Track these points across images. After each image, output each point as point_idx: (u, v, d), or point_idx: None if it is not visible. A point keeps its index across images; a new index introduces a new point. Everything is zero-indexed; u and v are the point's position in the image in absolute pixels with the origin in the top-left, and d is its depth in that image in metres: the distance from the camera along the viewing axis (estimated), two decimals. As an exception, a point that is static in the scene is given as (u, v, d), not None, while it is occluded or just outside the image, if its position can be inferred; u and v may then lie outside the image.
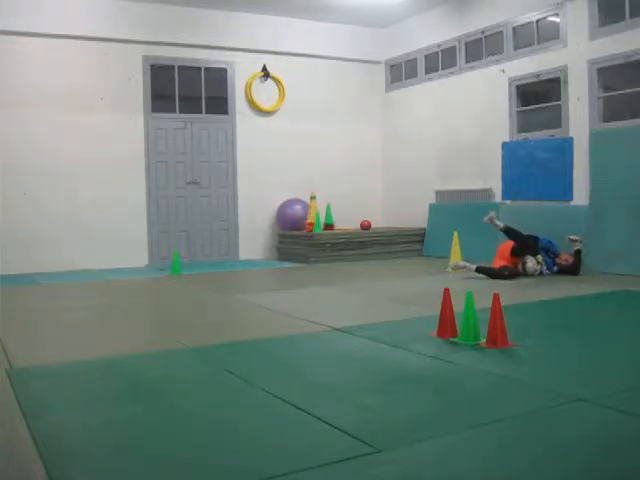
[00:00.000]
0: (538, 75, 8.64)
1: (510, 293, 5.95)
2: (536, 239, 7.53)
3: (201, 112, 10.19)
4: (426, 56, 10.55)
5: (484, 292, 5.32)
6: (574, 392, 3.06)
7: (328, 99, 11.04)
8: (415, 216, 10.62)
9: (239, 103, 10.40)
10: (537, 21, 8.67)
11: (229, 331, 4.92)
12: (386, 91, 11.46)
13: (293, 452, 2.44)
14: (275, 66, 10.56)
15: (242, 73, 10.38)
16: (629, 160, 7.46)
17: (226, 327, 5.11)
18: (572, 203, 8.22)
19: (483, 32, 9.45)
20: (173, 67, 9.94)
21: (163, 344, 4.40)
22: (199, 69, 10.13)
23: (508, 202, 9.10)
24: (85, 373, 3.65)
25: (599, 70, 7.90)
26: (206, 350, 4.17)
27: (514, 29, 8.99)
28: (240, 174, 10.39)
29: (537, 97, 8.97)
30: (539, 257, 7.42)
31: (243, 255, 10.45)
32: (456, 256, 8.20)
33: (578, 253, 7.48)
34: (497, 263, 7.39)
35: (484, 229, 9.19)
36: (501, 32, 9.16)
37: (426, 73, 10.58)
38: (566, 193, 8.27)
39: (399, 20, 10.81)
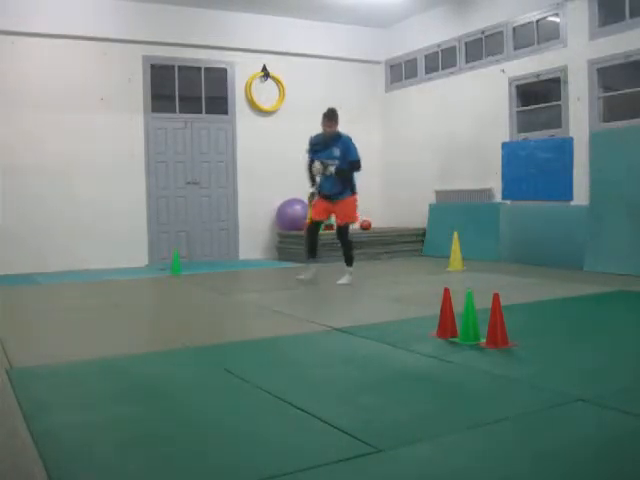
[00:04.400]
0: (538, 75, 8.64)
1: (510, 293, 5.95)
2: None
3: (201, 112, 10.19)
4: (426, 56, 10.54)
5: (484, 292, 5.31)
6: (574, 392, 3.06)
7: (328, 99, 10.95)
8: (415, 216, 10.62)
9: (239, 103, 10.40)
10: (537, 21, 8.66)
11: (229, 331, 4.92)
12: (386, 91, 11.45)
13: (293, 452, 2.44)
14: (275, 66, 10.56)
15: (242, 73, 10.38)
16: (629, 160, 7.45)
17: (226, 327, 5.11)
18: (572, 203, 8.22)
19: (483, 32, 9.44)
20: (173, 67, 9.94)
21: (163, 344, 4.41)
22: (199, 69, 10.12)
23: (508, 202, 9.10)
24: (85, 373, 3.65)
25: (599, 70, 7.89)
26: (206, 350, 4.18)
27: (514, 29, 8.98)
28: (240, 174, 10.39)
29: (537, 97, 8.97)
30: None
31: (243, 255, 10.44)
32: (456, 256, 8.19)
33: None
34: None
35: (484, 229, 9.21)
36: (501, 32, 9.16)
37: (426, 73, 10.57)
38: (566, 193, 8.26)
39: (399, 20, 10.80)
